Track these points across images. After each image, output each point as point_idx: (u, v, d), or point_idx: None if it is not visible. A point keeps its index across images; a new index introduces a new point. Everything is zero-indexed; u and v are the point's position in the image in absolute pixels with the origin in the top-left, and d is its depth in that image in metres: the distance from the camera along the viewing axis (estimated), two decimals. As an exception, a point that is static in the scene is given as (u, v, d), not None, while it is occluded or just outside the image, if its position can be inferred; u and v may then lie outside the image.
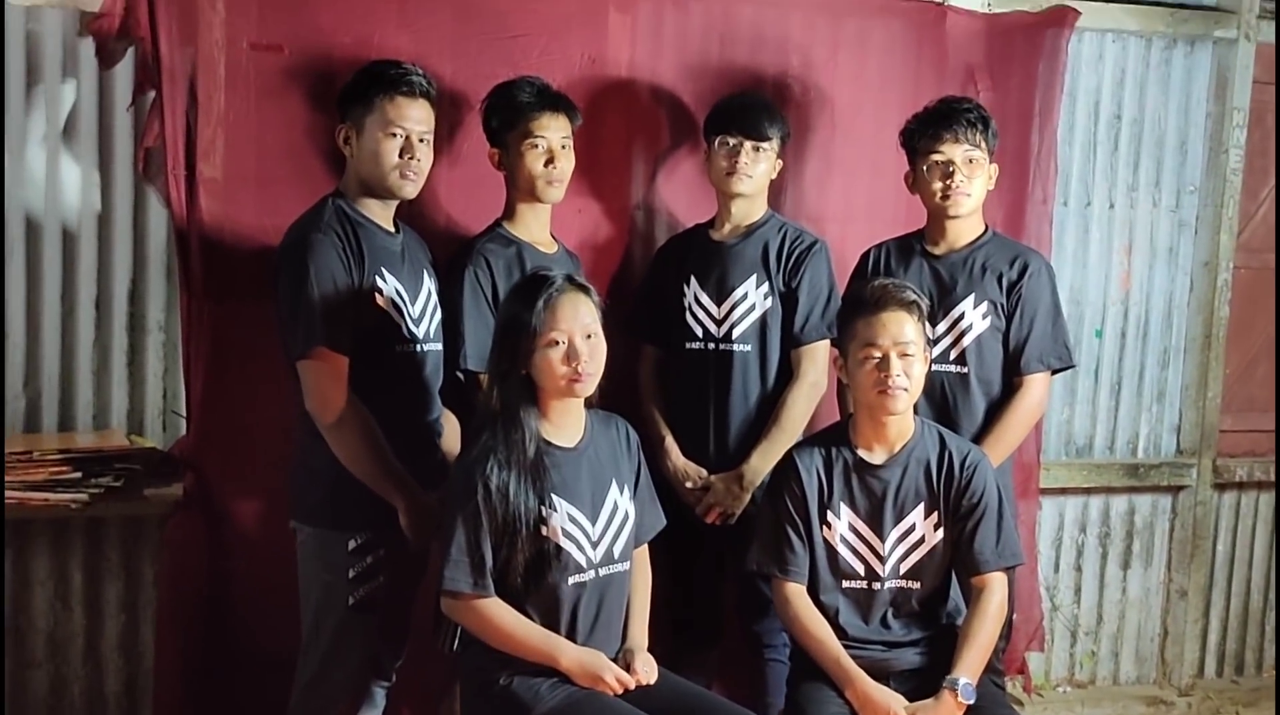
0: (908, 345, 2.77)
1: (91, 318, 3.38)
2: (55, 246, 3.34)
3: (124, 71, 3.26)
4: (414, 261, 2.97)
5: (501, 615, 2.58)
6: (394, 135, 2.85)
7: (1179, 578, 4.41)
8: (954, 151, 3.16)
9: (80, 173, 3.33)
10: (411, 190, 2.90)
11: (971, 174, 3.18)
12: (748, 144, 3.22)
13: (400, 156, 2.85)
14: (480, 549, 2.55)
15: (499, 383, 2.62)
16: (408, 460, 2.84)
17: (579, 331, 2.58)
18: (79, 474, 3.14)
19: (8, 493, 3.09)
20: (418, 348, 2.93)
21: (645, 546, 2.82)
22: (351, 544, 2.85)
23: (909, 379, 2.77)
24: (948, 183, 3.17)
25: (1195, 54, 4.17)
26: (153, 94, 3.17)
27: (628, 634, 2.74)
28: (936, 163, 3.18)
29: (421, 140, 2.88)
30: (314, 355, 2.76)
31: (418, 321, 2.93)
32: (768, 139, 3.23)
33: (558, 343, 2.57)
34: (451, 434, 3.05)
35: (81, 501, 3.12)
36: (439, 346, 3.01)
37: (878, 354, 2.78)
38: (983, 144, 3.18)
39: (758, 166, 3.24)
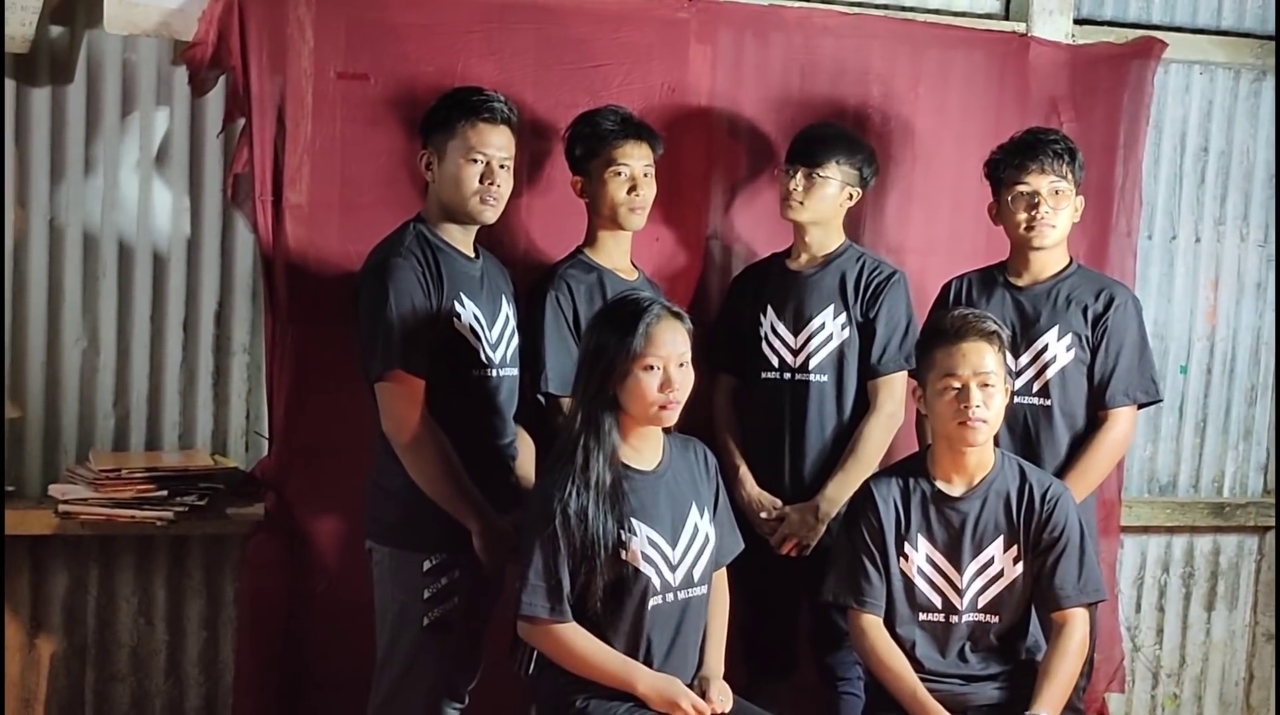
0: (988, 376, 2.75)
1: (179, 339, 3.45)
2: (146, 269, 3.42)
3: (215, 100, 3.35)
4: (493, 287, 3.00)
5: (578, 641, 2.58)
6: (475, 161, 2.88)
7: (1265, 621, 4.31)
8: (1039, 183, 3.13)
9: (171, 198, 3.43)
10: (491, 216, 2.93)
11: (1057, 206, 3.15)
12: (801, 171, 3.22)
13: (481, 182, 2.88)
14: (558, 574, 2.56)
15: (584, 404, 2.61)
16: (481, 484, 2.86)
17: (674, 359, 2.59)
18: (164, 492, 3.21)
19: (97, 509, 3.17)
20: (494, 372, 2.95)
21: (724, 571, 2.81)
22: (427, 565, 2.87)
23: (989, 410, 2.74)
24: (1032, 214, 3.14)
25: (1284, 86, 4.10)
26: (242, 122, 3.24)
27: (704, 660, 2.73)
28: (1022, 194, 3.15)
29: (502, 166, 2.91)
30: (391, 377, 2.79)
31: (495, 346, 2.95)
32: (820, 166, 3.21)
33: (653, 368, 2.57)
34: (526, 458, 3.07)
35: (167, 519, 3.19)
36: (515, 371, 3.03)
37: (957, 384, 2.75)
38: (1069, 176, 3.15)
39: (812, 194, 3.22)
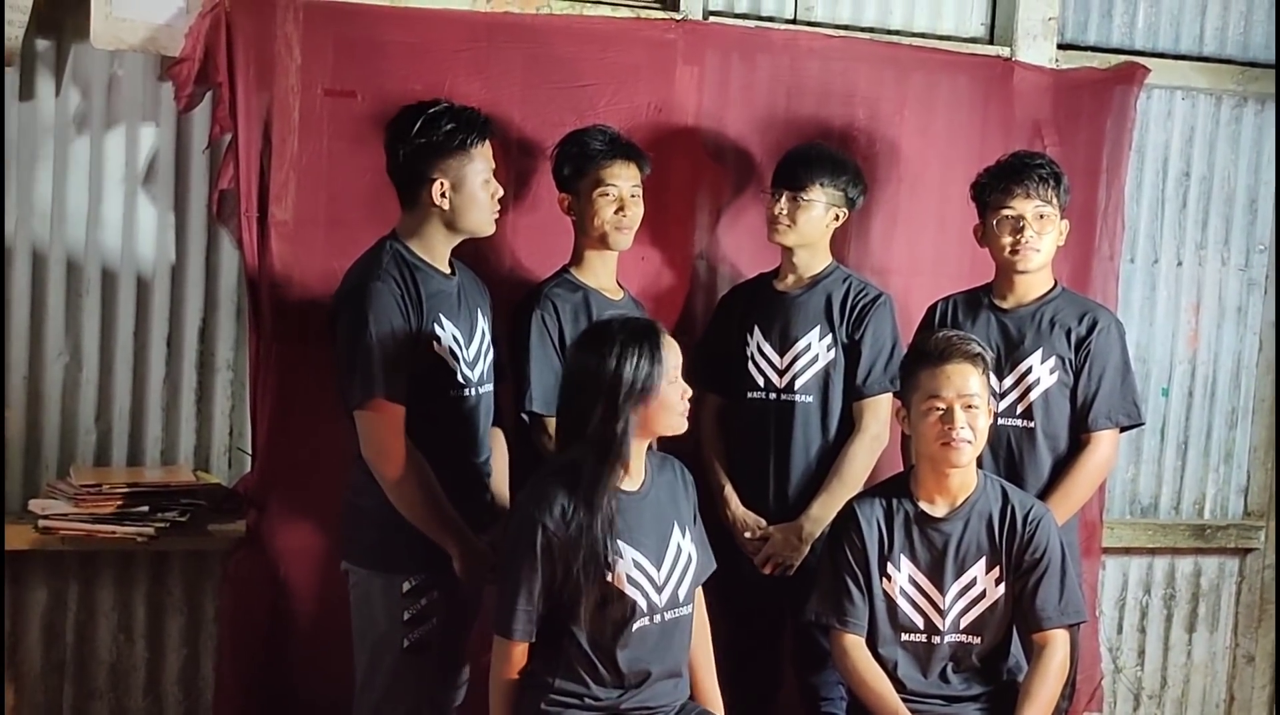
0: (972, 397, 2.76)
1: (163, 355, 3.45)
2: (130, 285, 3.42)
3: (201, 116, 3.34)
4: (469, 303, 2.98)
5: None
6: (487, 182, 2.90)
7: (1246, 643, 4.32)
8: (1025, 207, 3.15)
9: (156, 213, 3.42)
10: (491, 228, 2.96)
11: (1041, 229, 3.16)
12: (785, 194, 3.23)
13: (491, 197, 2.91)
14: (534, 597, 2.57)
15: (603, 428, 2.55)
16: (458, 502, 2.85)
17: (680, 372, 2.64)
18: (146, 508, 3.19)
19: (77, 525, 3.15)
20: (471, 392, 2.94)
21: (701, 592, 2.80)
22: (405, 586, 2.85)
23: (973, 431, 2.76)
24: (1017, 238, 3.16)
25: (1266, 112, 4.13)
26: (228, 138, 3.24)
27: (697, 686, 2.73)
28: (1007, 218, 3.17)
29: (485, 181, 2.91)
30: (372, 407, 2.77)
31: (472, 365, 2.95)
32: (804, 189, 3.23)
33: (675, 382, 2.61)
34: (500, 475, 3.07)
35: (147, 535, 3.17)
36: (490, 388, 3.02)
37: (941, 406, 2.76)
38: (1054, 200, 3.17)
39: (798, 217, 3.23)
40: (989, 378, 2.83)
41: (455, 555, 2.81)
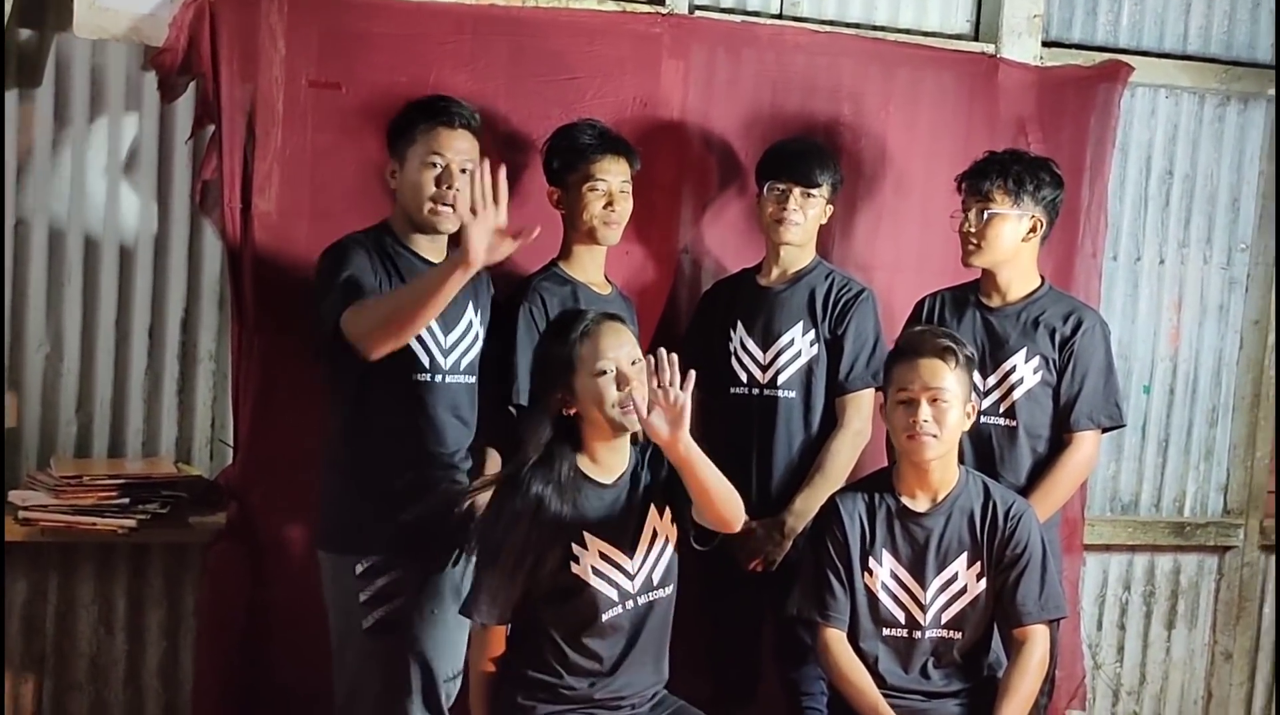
0: (940, 391, 2.76)
1: (145, 346, 3.43)
2: (112, 274, 3.40)
3: (184, 106, 3.32)
4: (460, 294, 2.95)
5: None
6: (432, 165, 2.87)
7: (1224, 640, 4.34)
8: (983, 204, 3.17)
9: (139, 203, 3.40)
10: (449, 225, 2.89)
11: (993, 229, 3.16)
12: (797, 190, 3.23)
13: (438, 185, 2.87)
14: (503, 581, 2.58)
15: (539, 421, 2.62)
16: (419, 491, 2.84)
17: (625, 359, 2.59)
18: (126, 500, 3.17)
19: (58, 516, 3.14)
20: (437, 378, 2.93)
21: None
22: (359, 567, 2.85)
23: (939, 426, 2.76)
24: (968, 234, 3.18)
25: (1249, 111, 4.15)
26: (211, 128, 3.23)
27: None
28: (969, 216, 3.19)
29: (463, 171, 2.88)
30: (343, 320, 2.73)
31: (447, 352, 2.93)
32: (818, 185, 3.24)
33: (605, 372, 2.57)
34: (492, 470, 3.05)
35: (128, 527, 3.15)
36: (470, 380, 3.01)
37: (908, 398, 2.78)
38: (1020, 200, 3.16)
39: (807, 213, 3.25)
40: (967, 375, 2.83)
41: (457, 258, 2.61)
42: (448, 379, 2.94)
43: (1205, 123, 4.14)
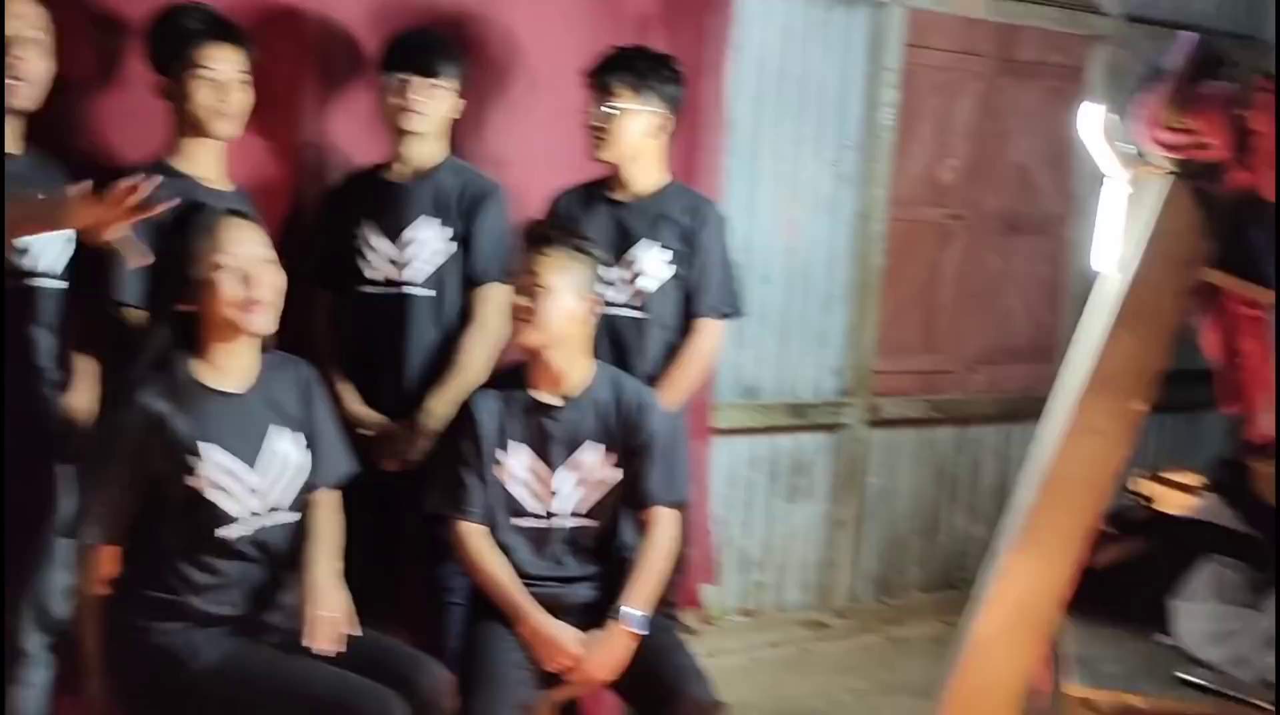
0: (539, 279, 2.81)
1: None
2: None
3: None
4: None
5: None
6: None
7: (837, 509, 4.70)
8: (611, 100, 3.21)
9: None
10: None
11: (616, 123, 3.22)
12: (418, 80, 3.16)
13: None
14: (114, 498, 2.46)
15: (154, 324, 2.49)
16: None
17: (251, 258, 2.49)
18: None
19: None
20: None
21: (336, 493, 2.72)
22: None
23: (541, 316, 2.81)
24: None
25: (852, 15, 4.39)
26: None
27: (308, 575, 2.58)
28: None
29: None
30: None
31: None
32: (441, 76, 3.18)
33: (222, 266, 2.46)
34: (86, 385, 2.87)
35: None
36: (59, 284, 2.81)
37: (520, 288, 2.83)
38: (640, 93, 3.22)
39: (432, 104, 3.19)
40: (583, 267, 2.87)
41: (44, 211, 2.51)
42: (34, 283, 2.74)
43: (816, 24, 4.34)
